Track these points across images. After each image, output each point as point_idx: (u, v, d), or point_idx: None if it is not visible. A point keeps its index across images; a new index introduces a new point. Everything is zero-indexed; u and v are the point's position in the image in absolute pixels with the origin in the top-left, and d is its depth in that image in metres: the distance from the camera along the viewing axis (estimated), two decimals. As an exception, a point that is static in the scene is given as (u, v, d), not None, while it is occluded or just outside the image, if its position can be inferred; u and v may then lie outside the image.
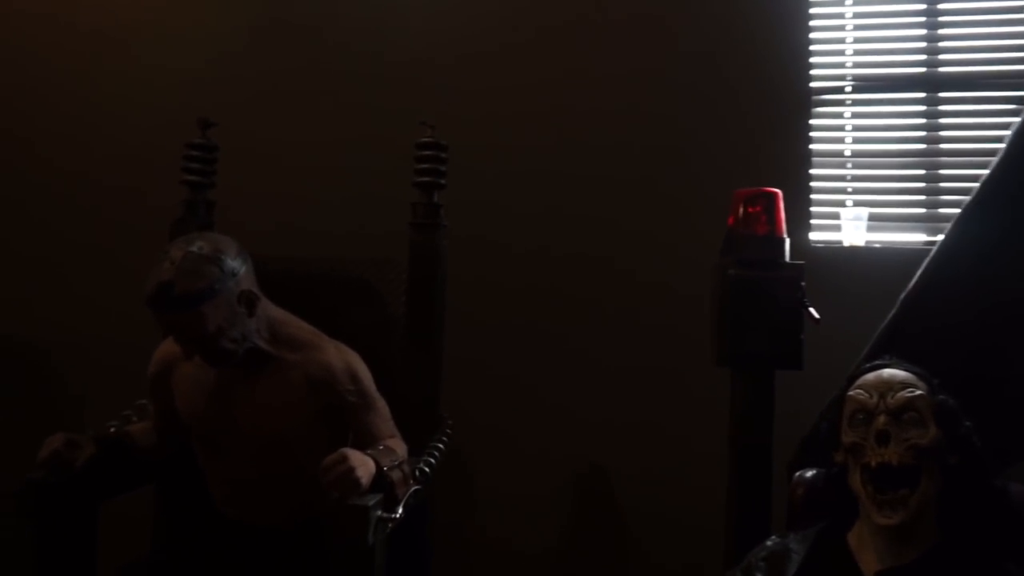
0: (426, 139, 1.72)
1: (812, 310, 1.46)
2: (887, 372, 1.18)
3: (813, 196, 2.18)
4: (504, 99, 2.28)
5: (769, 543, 1.25)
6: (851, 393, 1.18)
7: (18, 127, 2.49)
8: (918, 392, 1.14)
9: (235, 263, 1.40)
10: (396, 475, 1.41)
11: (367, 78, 2.32)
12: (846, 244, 2.13)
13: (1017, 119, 1.61)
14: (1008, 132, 1.60)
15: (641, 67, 2.22)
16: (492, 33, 2.30)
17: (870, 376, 1.18)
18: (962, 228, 1.58)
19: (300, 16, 2.38)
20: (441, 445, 1.65)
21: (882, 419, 1.12)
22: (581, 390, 2.19)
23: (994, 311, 1.56)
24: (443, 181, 1.72)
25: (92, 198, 2.44)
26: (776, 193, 1.52)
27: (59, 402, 2.38)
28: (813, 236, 2.17)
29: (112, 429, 1.58)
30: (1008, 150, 1.54)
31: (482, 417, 2.19)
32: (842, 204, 2.18)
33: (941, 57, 2.19)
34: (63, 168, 2.46)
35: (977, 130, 2.15)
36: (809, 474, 1.34)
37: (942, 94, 2.18)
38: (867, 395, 1.16)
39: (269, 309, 1.50)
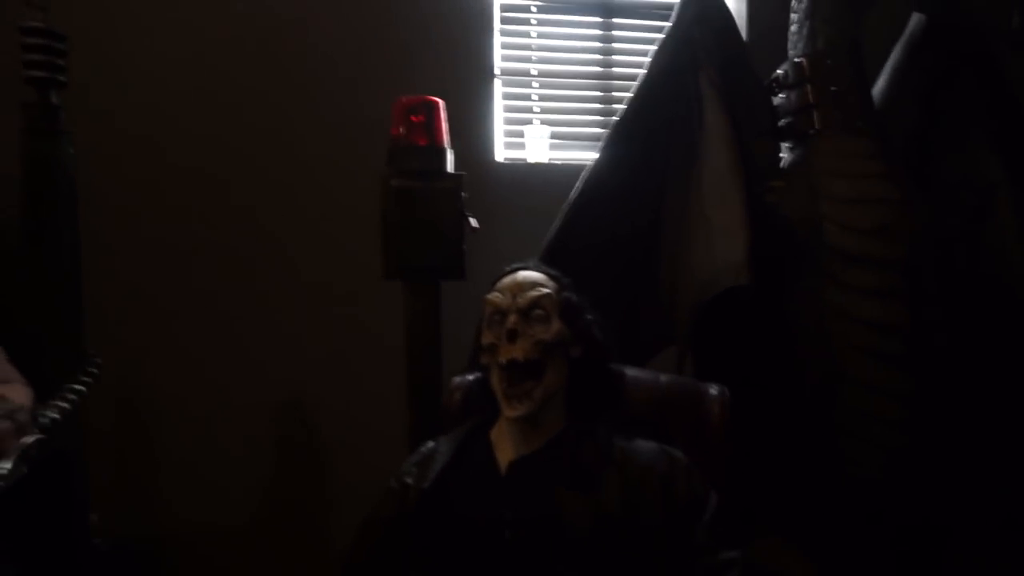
0: (35, 24, 1.42)
1: (472, 220, 1.48)
2: (520, 274, 1.22)
3: (505, 115, 2.23)
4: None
5: (423, 448, 1.26)
6: (488, 296, 1.21)
7: None
8: (545, 291, 1.20)
9: None
10: (3, 426, 1.20)
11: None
12: (531, 161, 2.21)
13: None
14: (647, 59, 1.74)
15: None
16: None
17: (506, 279, 1.22)
18: (607, 148, 1.69)
19: None
20: (79, 387, 1.44)
21: (512, 318, 1.17)
22: (259, 316, 2.06)
23: (633, 224, 1.71)
24: (63, 78, 1.45)
25: None
26: (437, 102, 1.49)
27: None
28: (507, 153, 2.23)
29: None
30: (643, 78, 1.67)
31: (155, 354, 1.99)
32: (528, 123, 2.26)
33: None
34: None
35: (645, 56, 2.32)
36: (466, 379, 1.38)
37: (616, 19, 2.32)
38: (501, 296, 1.19)
39: None
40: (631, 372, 1.33)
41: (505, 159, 2.22)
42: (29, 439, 1.24)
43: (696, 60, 1.68)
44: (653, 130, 1.69)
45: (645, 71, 1.70)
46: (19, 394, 1.31)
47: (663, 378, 1.34)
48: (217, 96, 2.02)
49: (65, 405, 1.38)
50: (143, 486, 2.03)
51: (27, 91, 1.45)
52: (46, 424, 1.30)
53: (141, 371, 1.99)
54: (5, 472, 1.18)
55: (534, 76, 2.27)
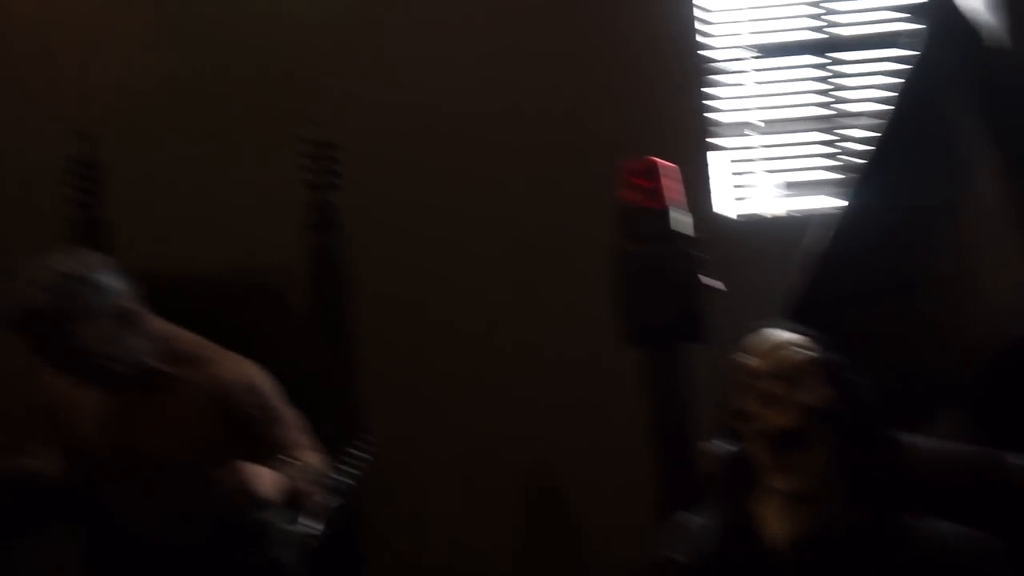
0: (317, 137, 1.68)
1: (712, 281, 1.46)
2: (773, 334, 1.16)
3: (731, 167, 2.18)
4: (389, 87, 2.21)
5: (683, 521, 1.23)
6: (740, 358, 1.16)
7: None
8: (805, 352, 1.13)
9: (106, 279, 1.34)
10: (306, 487, 1.37)
11: (254, 82, 2.23)
12: (765, 214, 2.13)
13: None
14: (895, 94, 1.62)
15: (535, 46, 2.18)
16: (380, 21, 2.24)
17: (757, 340, 1.17)
18: (859, 192, 1.58)
19: (187, 19, 2.29)
20: (361, 454, 1.61)
21: (771, 383, 1.11)
22: (509, 387, 2.14)
23: (898, 272, 1.57)
24: (338, 181, 1.69)
25: None
26: (655, 162, 1.49)
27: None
28: (735, 208, 2.18)
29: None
30: (887, 114, 1.56)
31: (410, 425, 2.14)
32: (755, 174, 2.18)
33: (831, 18, 2.19)
34: None
35: (873, 91, 2.17)
36: (717, 446, 1.33)
37: (835, 55, 2.20)
38: (756, 359, 1.14)
39: (155, 325, 1.44)
40: (906, 439, 1.20)
41: (731, 214, 2.16)
42: (334, 502, 1.40)
43: (945, 86, 1.55)
44: (906, 168, 1.56)
45: (888, 107, 1.59)
46: (316, 460, 1.48)
47: (948, 446, 1.20)
48: (448, 170, 2.17)
49: (356, 472, 1.54)
50: (394, 545, 2.18)
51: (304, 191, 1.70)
52: (343, 488, 1.46)
53: (398, 438, 2.15)
54: (318, 533, 1.34)
55: (755, 123, 2.21)
